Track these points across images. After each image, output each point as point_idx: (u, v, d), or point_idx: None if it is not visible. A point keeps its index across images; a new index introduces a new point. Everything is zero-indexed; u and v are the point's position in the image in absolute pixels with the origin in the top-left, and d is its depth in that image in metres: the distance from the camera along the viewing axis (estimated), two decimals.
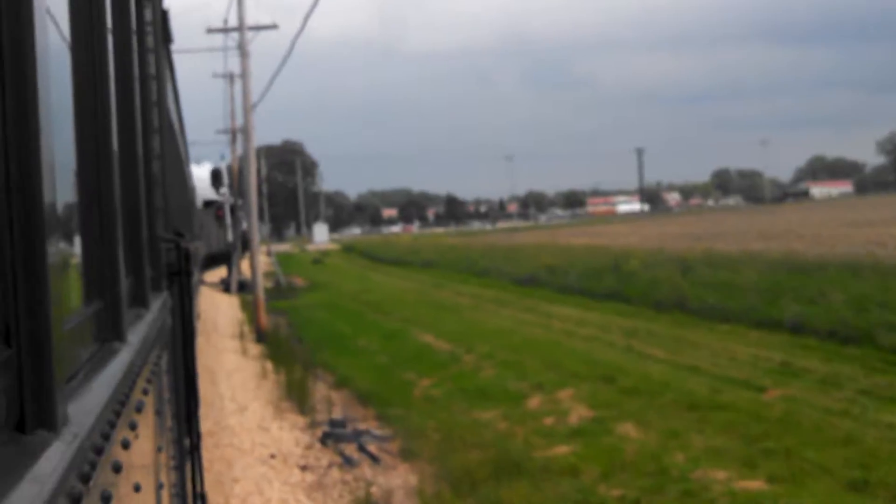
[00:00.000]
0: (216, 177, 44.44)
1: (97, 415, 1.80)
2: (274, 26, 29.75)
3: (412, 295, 38.37)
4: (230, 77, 49.04)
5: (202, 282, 43.00)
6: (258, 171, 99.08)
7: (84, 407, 1.78)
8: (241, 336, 26.61)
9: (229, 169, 52.15)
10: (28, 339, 1.45)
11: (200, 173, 48.52)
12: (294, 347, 24.69)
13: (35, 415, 1.47)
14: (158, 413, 3.67)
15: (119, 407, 2.15)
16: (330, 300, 38.61)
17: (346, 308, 34.94)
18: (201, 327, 20.59)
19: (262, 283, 26.85)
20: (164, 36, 7.68)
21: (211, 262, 65.35)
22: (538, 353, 20.46)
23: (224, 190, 47.29)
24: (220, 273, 56.21)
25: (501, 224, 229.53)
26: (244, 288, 44.63)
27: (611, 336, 22.64)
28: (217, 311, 34.03)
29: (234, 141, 49.58)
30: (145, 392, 2.99)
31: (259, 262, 27.06)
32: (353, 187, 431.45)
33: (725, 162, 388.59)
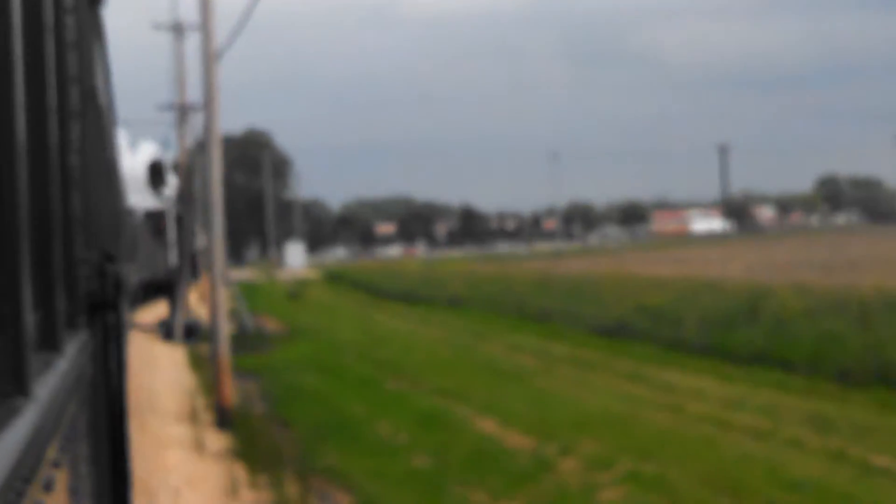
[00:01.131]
0: (156, 173, 40.49)
1: None
2: None
3: (446, 350, 35.41)
4: (178, 29, 45.26)
5: (132, 324, 39.04)
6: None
7: None
8: (194, 417, 22.57)
9: (175, 164, 48.41)
10: None
11: (133, 166, 44.73)
12: (278, 438, 20.67)
13: None
14: (74, 492, 3.81)
15: (22, 485, 2.18)
16: (322, 356, 34.68)
17: (349, 370, 31.31)
18: (131, 400, 16.46)
19: (225, 331, 22.73)
20: None
21: (144, 293, 61.47)
22: (685, 460, 17.18)
23: (167, 191, 43.33)
24: (157, 311, 52.30)
25: (539, 246, 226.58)
26: (193, 334, 42.03)
27: (791, 429, 19.40)
28: (155, 371, 30.03)
29: (182, 121, 45.74)
30: (56, 465, 3.09)
31: (220, 300, 22.91)
32: (334, 194, 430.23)
33: (833, 166, 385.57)
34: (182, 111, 46.38)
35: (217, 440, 20.22)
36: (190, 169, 46.48)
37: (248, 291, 72.35)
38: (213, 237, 22.73)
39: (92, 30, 7.80)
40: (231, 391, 22.31)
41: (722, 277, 51.25)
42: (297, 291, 73.03)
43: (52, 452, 2.95)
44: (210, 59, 22.14)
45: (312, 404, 24.77)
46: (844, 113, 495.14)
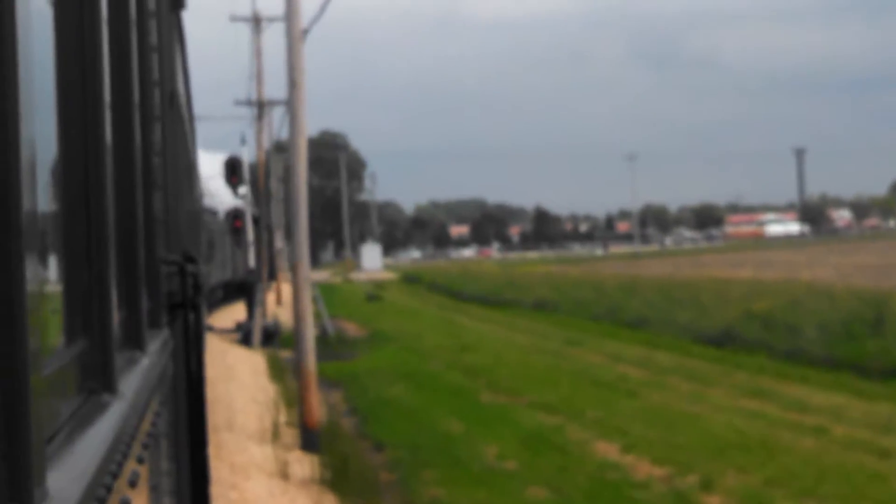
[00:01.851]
0: (233, 170, 38.00)
1: (84, 489, 1.84)
2: None
3: (540, 357, 32.56)
4: (257, 20, 43.04)
5: (208, 327, 36.70)
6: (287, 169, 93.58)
7: (66, 477, 1.82)
8: (277, 437, 20.08)
9: (253, 163, 46.10)
10: None
11: (208, 168, 42.63)
12: (371, 462, 18.19)
13: (7, 486, 1.49)
14: (154, 489, 3.81)
15: (110, 479, 2.18)
16: (408, 363, 32.06)
17: (440, 380, 28.63)
18: (207, 414, 14.10)
19: (311, 341, 20.15)
20: None
21: (221, 295, 59.12)
22: (854, 499, 14.19)
23: (244, 191, 40.85)
24: (233, 313, 50.05)
25: (616, 248, 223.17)
26: (272, 338, 39.24)
27: None
28: (232, 380, 27.55)
29: (260, 117, 43.45)
30: (140, 460, 3.06)
31: (306, 303, 20.30)
32: (408, 197, 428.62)
33: None
34: (260, 106, 44.11)
35: (303, 465, 17.70)
36: (267, 167, 44.22)
37: (325, 293, 70.30)
38: (298, 233, 20.15)
39: (173, 33, 7.71)
40: (318, 408, 19.82)
41: (817, 281, 48.46)
42: (375, 294, 70.60)
43: (136, 448, 2.95)
44: (295, 38, 19.69)
45: (405, 420, 22.21)
46: None
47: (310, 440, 19.12)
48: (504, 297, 59.56)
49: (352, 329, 46.08)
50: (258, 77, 44.53)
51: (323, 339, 37.57)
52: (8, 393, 1.47)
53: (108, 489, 2.13)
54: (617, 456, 17.75)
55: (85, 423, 2.29)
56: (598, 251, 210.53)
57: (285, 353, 33.92)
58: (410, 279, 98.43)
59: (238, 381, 27.26)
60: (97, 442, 2.18)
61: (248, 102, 45.92)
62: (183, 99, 10.96)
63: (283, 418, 21.92)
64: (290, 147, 20.41)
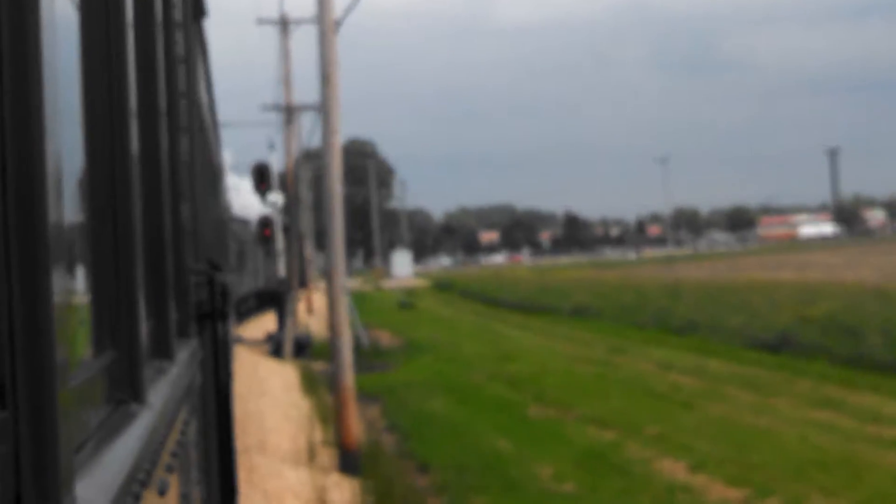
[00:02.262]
0: (262, 176, 36.63)
1: (112, 498, 1.90)
2: None
3: (586, 367, 31.12)
4: (283, 23, 41.70)
5: (238, 338, 35.35)
6: (316, 179, 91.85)
7: (95, 487, 1.87)
8: (312, 456, 18.62)
9: (282, 172, 44.76)
10: (26, 399, 1.50)
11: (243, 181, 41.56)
12: (416, 486, 16.73)
13: (36, 495, 1.52)
14: (184, 498, 3.84)
15: (139, 488, 2.26)
16: (448, 375, 30.60)
17: (483, 392, 27.24)
18: (238, 434, 12.69)
19: (348, 355, 18.61)
20: (197, 7, 7.82)
21: (250, 305, 57.64)
22: None
23: (274, 198, 39.44)
24: (263, 324, 48.77)
25: (649, 252, 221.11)
26: (303, 350, 37.83)
27: None
28: (263, 394, 26.18)
29: (289, 122, 42.10)
30: (170, 469, 3.11)
31: (342, 314, 18.66)
32: (437, 203, 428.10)
33: None
34: (288, 111, 42.69)
35: (343, 490, 16.24)
36: (296, 175, 42.88)
37: (356, 301, 69.17)
38: (332, 238, 18.70)
39: (196, 43, 7.76)
40: (356, 427, 18.31)
41: (864, 282, 46.81)
42: (408, 301, 69.22)
43: (165, 457, 2.99)
44: (328, 29, 18.25)
45: (449, 438, 20.77)
46: None
47: (349, 462, 17.70)
48: (541, 304, 58.03)
49: (385, 338, 44.52)
50: (286, 81, 43.30)
51: (357, 350, 36.18)
52: (37, 403, 1.49)
53: (137, 497, 2.20)
54: (685, 476, 16.35)
55: (113, 433, 2.33)
56: (631, 255, 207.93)
57: (318, 366, 32.78)
58: (442, 286, 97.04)
59: (269, 397, 25.90)
60: (125, 451, 2.24)
61: (276, 107, 44.54)
62: (207, 108, 10.86)
63: (318, 437, 20.53)
64: (324, 147, 19.00)
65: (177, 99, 5.11)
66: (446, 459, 18.54)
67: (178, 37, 5.41)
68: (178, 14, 5.44)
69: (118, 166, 2.75)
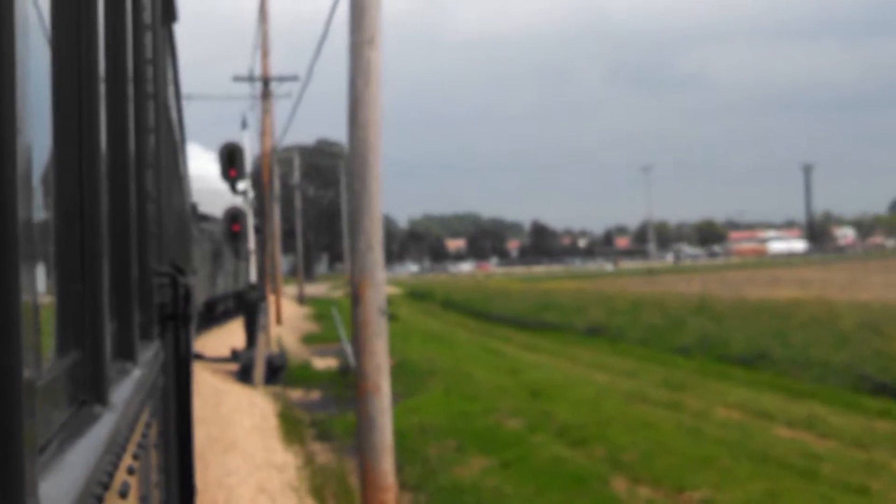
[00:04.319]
0: (231, 159, 30.74)
1: (74, 500, 1.92)
2: None
3: (652, 412, 22.61)
4: None
5: (197, 355, 29.56)
6: (282, 176, 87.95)
7: (57, 488, 1.88)
8: None
9: (257, 163, 40.38)
10: None
11: (212, 170, 37.11)
12: None
13: None
14: (144, 500, 3.85)
15: (100, 490, 2.27)
16: (472, 418, 22.01)
17: (531, 449, 18.68)
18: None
19: (388, 428, 10.98)
20: (167, 11, 7.89)
21: (211, 313, 52.67)
22: None
23: (243, 186, 33.29)
24: (225, 337, 42.80)
25: (625, 264, 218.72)
26: (277, 374, 30.40)
27: None
28: (230, 448, 18.68)
29: (265, 95, 38.28)
30: (131, 471, 3.12)
31: (378, 351, 10.92)
32: (400, 210, 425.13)
33: None
34: (265, 83, 38.68)
35: None
36: (273, 162, 38.88)
37: (326, 309, 64.96)
38: (368, 226, 11.24)
39: (165, 46, 7.81)
40: None
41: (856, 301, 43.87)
42: (389, 312, 64.32)
43: (127, 459, 3.01)
44: None
45: None
46: None
47: None
48: (544, 320, 51.61)
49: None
50: (263, 47, 39.34)
51: (343, 376, 28.72)
52: (0, 403, 1.50)
53: (99, 499, 2.21)
54: None
55: (76, 434, 2.35)
56: (608, 266, 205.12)
57: (296, 394, 27.55)
58: (418, 295, 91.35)
59: (239, 452, 18.41)
60: (88, 453, 2.25)
61: (251, 78, 40.40)
62: (174, 111, 10.83)
63: None
64: (358, 90, 11.24)
65: (146, 101, 5.16)
66: None
67: (147, 39, 5.51)
68: (147, 17, 5.57)
69: (85, 167, 2.75)
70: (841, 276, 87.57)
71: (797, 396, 25.78)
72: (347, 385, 25.04)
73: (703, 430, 20.23)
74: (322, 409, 24.86)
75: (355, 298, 11.33)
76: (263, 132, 39.28)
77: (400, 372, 28.15)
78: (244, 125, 39.42)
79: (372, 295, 11.22)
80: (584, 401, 23.65)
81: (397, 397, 22.44)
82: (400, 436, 16.85)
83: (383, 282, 11.42)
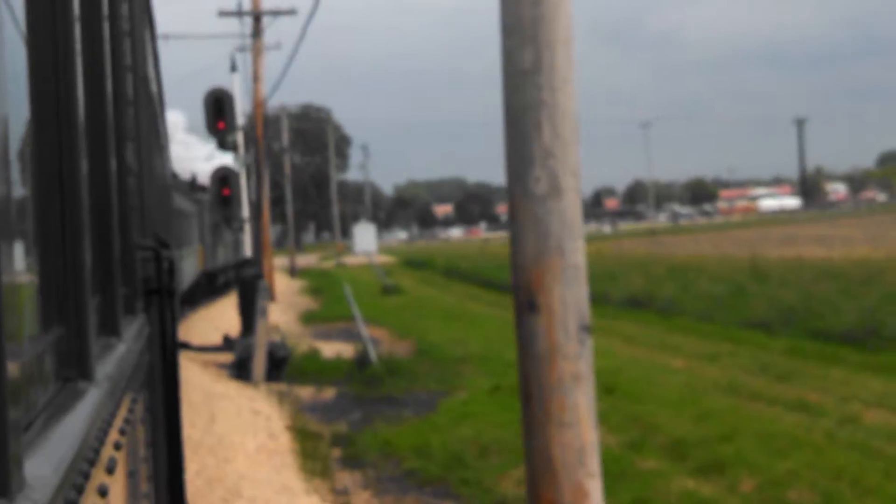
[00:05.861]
0: (219, 109, 26.53)
1: (61, 477, 1.91)
2: None
3: (777, 416, 17.15)
4: None
5: (183, 345, 26.17)
6: (275, 142, 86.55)
7: (43, 465, 1.89)
8: None
9: (251, 121, 37.46)
10: None
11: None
12: None
13: None
14: (132, 475, 3.87)
15: (87, 466, 2.26)
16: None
17: (645, 479, 13.19)
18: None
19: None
20: None
21: (212, 284, 50.88)
22: None
23: (233, 139, 29.58)
24: (214, 318, 38.18)
25: (624, 225, 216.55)
26: (280, 368, 25.07)
27: None
28: (231, 497, 12.80)
29: (257, 34, 35.10)
30: (117, 447, 3.13)
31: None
32: (385, 177, 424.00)
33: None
34: (256, 19, 35.50)
35: None
36: (266, 113, 35.64)
37: (323, 282, 62.38)
38: (551, 146, 4.69)
39: (143, 17, 7.82)
40: None
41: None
42: (391, 286, 54.30)
43: (113, 434, 2.99)
44: None
45: None
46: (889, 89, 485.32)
47: None
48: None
49: (386, 340, 30.93)
50: None
51: (362, 368, 24.36)
52: None
53: (86, 476, 2.20)
54: None
55: (62, 411, 2.33)
56: (606, 228, 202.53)
57: (305, 392, 22.54)
58: (415, 264, 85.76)
59: (245, 500, 12.68)
60: (74, 429, 2.23)
61: (239, 12, 37.30)
62: (154, 83, 10.99)
63: None
64: None
65: (124, 74, 5.12)
66: None
67: (124, 10, 5.44)
68: None
69: (65, 142, 2.72)
70: (856, 232, 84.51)
71: None
72: (367, 381, 22.84)
73: (870, 444, 14.72)
74: (341, 414, 19.92)
75: (527, 303, 5.21)
76: (255, 77, 35.39)
77: (425, 360, 25.82)
78: (233, 68, 36.22)
79: (563, 295, 5.25)
80: (676, 399, 18.67)
81: (434, 396, 20.93)
82: (454, 460, 14.70)
83: (583, 267, 5.44)
